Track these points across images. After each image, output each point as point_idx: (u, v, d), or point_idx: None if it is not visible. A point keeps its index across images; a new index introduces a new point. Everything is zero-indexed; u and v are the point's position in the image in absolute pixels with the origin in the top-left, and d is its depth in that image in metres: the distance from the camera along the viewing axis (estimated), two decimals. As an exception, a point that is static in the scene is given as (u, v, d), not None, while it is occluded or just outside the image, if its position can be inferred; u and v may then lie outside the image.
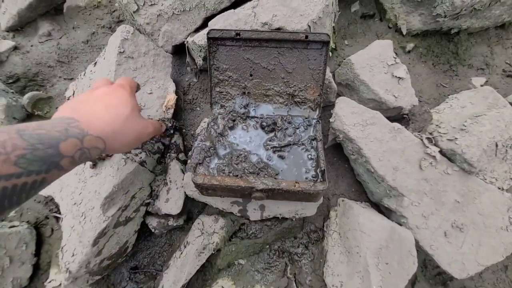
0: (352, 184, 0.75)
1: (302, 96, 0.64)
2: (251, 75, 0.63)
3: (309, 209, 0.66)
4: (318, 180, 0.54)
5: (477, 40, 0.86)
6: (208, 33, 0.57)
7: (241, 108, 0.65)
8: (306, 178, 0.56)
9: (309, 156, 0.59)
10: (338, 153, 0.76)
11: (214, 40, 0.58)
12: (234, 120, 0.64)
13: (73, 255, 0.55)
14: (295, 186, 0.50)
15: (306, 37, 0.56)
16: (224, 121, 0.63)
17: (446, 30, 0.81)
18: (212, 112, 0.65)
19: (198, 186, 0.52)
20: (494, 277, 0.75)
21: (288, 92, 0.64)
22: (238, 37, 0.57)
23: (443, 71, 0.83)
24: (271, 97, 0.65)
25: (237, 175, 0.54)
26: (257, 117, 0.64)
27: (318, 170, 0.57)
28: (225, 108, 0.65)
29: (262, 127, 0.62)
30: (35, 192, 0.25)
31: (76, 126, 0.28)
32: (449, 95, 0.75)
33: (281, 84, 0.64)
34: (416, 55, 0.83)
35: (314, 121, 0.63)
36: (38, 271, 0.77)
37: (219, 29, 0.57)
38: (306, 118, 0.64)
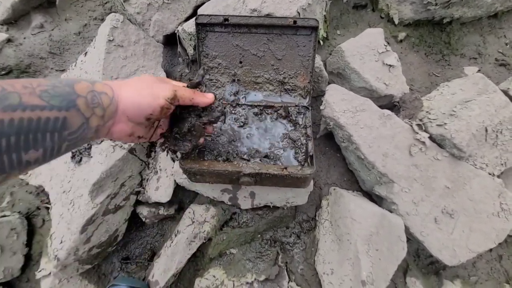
0: (344, 173, 0.75)
1: (292, 83, 0.64)
2: (240, 62, 0.63)
3: (300, 197, 0.66)
4: (306, 165, 0.54)
5: (469, 29, 0.86)
6: (196, 19, 0.57)
7: (231, 96, 0.65)
8: (299, 163, 0.56)
9: (299, 141, 0.59)
10: (330, 142, 0.76)
11: (203, 26, 0.58)
12: (224, 108, 0.63)
13: (61, 242, 0.55)
14: (283, 170, 0.50)
15: (295, 22, 0.56)
16: None
17: (438, 20, 0.81)
18: None
19: (186, 171, 0.52)
20: (488, 266, 0.75)
21: (278, 79, 0.64)
22: (226, 22, 0.57)
23: (436, 61, 0.83)
24: (261, 85, 0.65)
25: (225, 160, 0.54)
26: (247, 105, 0.64)
27: (306, 155, 0.56)
28: (215, 96, 0.65)
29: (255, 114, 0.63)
30: (59, 137, 0.26)
31: (89, 79, 0.31)
32: (440, 84, 0.75)
33: (271, 71, 0.63)
34: (409, 44, 0.83)
35: (304, 108, 0.63)
36: (30, 261, 0.77)
37: (207, 15, 0.57)
38: (296, 106, 0.63)
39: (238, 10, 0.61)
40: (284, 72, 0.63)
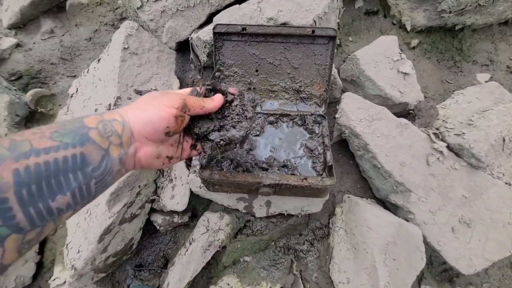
0: (357, 180, 0.75)
1: (308, 91, 0.64)
2: (256, 71, 0.63)
3: (315, 205, 0.66)
4: (325, 175, 0.54)
5: (481, 36, 0.86)
6: (214, 28, 0.57)
7: None
8: (317, 173, 0.56)
9: (316, 151, 0.58)
10: (343, 149, 0.76)
11: (220, 35, 0.58)
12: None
13: (78, 252, 0.55)
14: (303, 181, 0.50)
15: (313, 32, 0.56)
16: None
17: (450, 27, 0.81)
18: None
19: (205, 181, 0.52)
20: (499, 273, 0.75)
21: (294, 88, 0.64)
22: (244, 31, 0.57)
23: (448, 67, 0.83)
24: (277, 93, 0.64)
25: (244, 170, 0.53)
26: (262, 113, 0.64)
27: (324, 165, 0.56)
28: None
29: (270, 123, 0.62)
30: (84, 176, 0.25)
31: (105, 113, 0.30)
32: (454, 91, 0.75)
33: (287, 80, 0.63)
34: (421, 51, 0.83)
35: (320, 117, 0.63)
36: (42, 269, 0.76)
37: (225, 24, 0.57)
38: (312, 114, 0.63)
39: (254, 18, 0.61)
40: (300, 81, 0.63)
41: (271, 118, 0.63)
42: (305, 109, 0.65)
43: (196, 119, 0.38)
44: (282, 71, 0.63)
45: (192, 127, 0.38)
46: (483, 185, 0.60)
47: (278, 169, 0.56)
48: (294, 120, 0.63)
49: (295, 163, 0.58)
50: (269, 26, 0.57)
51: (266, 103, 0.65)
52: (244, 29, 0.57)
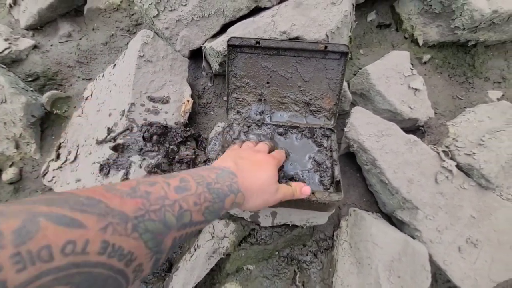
0: (363, 194, 0.75)
1: (318, 105, 0.64)
2: (268, 83, 0.64)
3: (320, 217, 0.66)
4: (333, 190, 0.54)
5: (493, 53, 0.85)
6: (228, 41, 0.58)
7: (256, 115, 0.65)
8: (324, 187, 0.56)
9: (324, 165, 0.59)
10: (350, 162, 0.76)
11: (234, 48, 0.59)
12: (249, 126, 0.64)
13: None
14: (310, 196, 0.50)
15: (325, 47, 0.57)
16: (239, 127, 0.64)
17: (463, 42, 0.81)
18: (228, 117, 0.66)
19: None
20: (504, 293, 0.74)
21: (304, 101, 0.65)
22: (258, 45, 0.58)
23: (459, 83, 0.82)
24: (287, 105, 0.65)
25: None
26: (272, 124, 0.65)
27: (332, 179, 0.56)
28: (240, 114, 0.66)
29: (279, 134, 0.63)
30: (192, 238, 0.31)
31: (235, 182, 0.34)
32: (465, 107, 0.75)
33: (297, 92, 0.64)
34: (432, 66, 0.83)
35: (329, 130, 0.63)
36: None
37: (239, 37, 0.58)
38: (321, 127, 0.64)
39: (268, 32, 0.62)
40: (310, 94, 0.64)
41: (280, 130, 0.64)
42: (314, 122, 0.65)
43: None
44: (293, 84, 0.63)
45: None
46: (492, 206, 0.59)
47: (286, 182, 0.56)
48: (303, 132, 0.64)
49: (302, 176, 0.59)
50: (282, 40, 0.58)
51: (276, 114, 0.66)
52: (258, 42, 0.58)
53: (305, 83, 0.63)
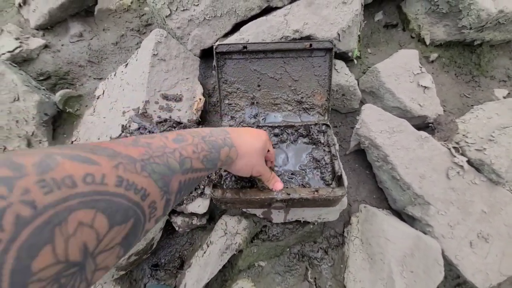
0: (373, 190, 0.76)
1: (310, 102, 0.65)
2: (258, 86, 0.65)
3: (332, 213, 0.67)
4: (335, 185, 0.55)
5: (499, 52, 0.87)
6: (215, 48, 0.59)
7: (250, 118, 0.66)
8: (326, 183, 0.56)
9: (323, 161, 0.59)
10: (360, 159, 0.77)
11: (222, 55, 0.60)
12: None
13: (104, 250, 0.57)
14: (314, 193, 0.50)
15: (311, 45, 0.58)
16: None
17: (469, 42, 0.82)
18: (222, 124, 0.67)
19: (217, 201, 0.52)
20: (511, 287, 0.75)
21: (296, 100, 0.65)
22: (245, 49, 0.59)
23: (466, 82, 0.84)
24: (280, 105, 0.66)
25: (253, 185, 0.54)
26: (267, 126, 0.65)
27: (333, 175, 0.57)
28: (235, 120, 0.67)
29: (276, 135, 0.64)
30: (197, 183, 0.33)
31: (229, 138, 0.38)
32: (472, 105, 0.76)
33: (288, 92, 0.65)
34: (439, 65, 0.84)
35: (325, 126, 0.64)
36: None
37: (226, 44, 0.59)
38: (316, 124, 0.64)
39: (281, 31, 0.63)
40: (301, 92, 0.65)
41: (276, 130, 0.64)
42: (308, 119, 0.66)
43: None
44: (284, 84, 0.64)
45: None
46: (503, 201, 0.60)
47: (288, 178, 0.57)
48: (299, 130, 0.64)
49: (303, 172, 0.59)
50: (268, 43, 0.60)
51: (270, 116, 0.67)
52: (245, 47, 0.59)
53: (295, 82, 0.64)
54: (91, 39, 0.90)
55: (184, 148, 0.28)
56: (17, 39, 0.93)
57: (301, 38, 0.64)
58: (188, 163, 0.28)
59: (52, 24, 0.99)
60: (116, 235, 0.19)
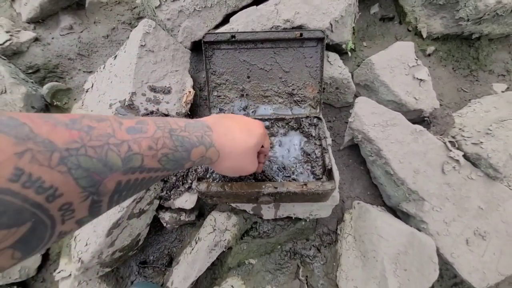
0: (367, 187, 0.74)
1: (302, 94, 0.63)
2: (248, 77, 0.63)
3: (324, 210, 0.65)
4: (325, 179, 0.52)
5: (497, 46, 0.84)
6: (203, 37, 0.57)
7: (240, 111, 0.64)
8: (316, 177, 0.54)
9: (313, 154, 0.57)
10: (353, 155, 0.75)
11: (210, 44, 0.58)
12: None
13: (86, 245, 0.55)
14: (303, 187, 0.48)
15: (301, 35, 0.56)
16: None
17: (467, 35, 0.80)
18: None
19: (202, 194, 0.50)
20: (510, 287, 0.72)
21: (287, 92, 0.63)
22: (233, 39, 0.56)
23: (464, 76, 0.81)
24: (270, 98, 0.64)
25: (242, 179, 0.52)
26: (257, 119, 0.63)
27: (323, 168, 0.55)
28: (224, 112, 0.65)
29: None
30: (151, 184, 0.27)
31: (209, 136, 0.32)
32: (470, 99, 0.74)
33: (279, 84, 0.63)
34: (436, 58, 0.82)
35: (317, 119, 0.61)
36: (47, 261, 0.77)
37: (214, 33, 0.57)
38: (307, 117, 0.62)
39: (271, 20, 0.62)
40: (292, 84, 0.63)
41: (266, 123, 0.62)
42: (300, 112, 0.63)
43: None
44: (274, 76, 0.62)
45: None
46: (500, 197, 0.58)
47: (277, 174, 0.55)
48: (290, 123, 0.62)
49: (292, 167, 0.57)
50: (257, 32, 0.57)
51: (260, 108, 0.65)
52: (233, 36, 0.57)
53: (286, 73, 0.61)
54: (82, 32, 0.89)
55: (137, 142, 0.23)
56: (7, 32, 0.91)
57: (292, 28, 0.62)
58: (138, 160, 0.23)
59: (44, 18, 0.97)
60: (4, 239, 0.16)
